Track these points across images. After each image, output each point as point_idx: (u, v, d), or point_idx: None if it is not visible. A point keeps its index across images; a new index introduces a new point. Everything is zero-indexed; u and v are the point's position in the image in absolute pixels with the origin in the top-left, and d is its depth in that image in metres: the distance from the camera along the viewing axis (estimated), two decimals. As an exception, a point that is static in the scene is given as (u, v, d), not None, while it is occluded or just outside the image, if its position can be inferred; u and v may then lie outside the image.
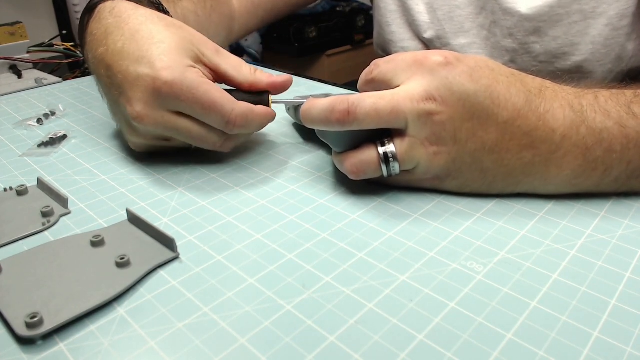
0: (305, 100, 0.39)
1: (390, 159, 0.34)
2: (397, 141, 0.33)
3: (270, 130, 0.49)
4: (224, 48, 0.41)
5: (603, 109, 0.33)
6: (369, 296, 0.27)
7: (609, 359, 0.23)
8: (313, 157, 0.43)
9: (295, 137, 0.47)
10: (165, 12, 0.46)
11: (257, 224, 0.34)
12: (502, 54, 0.59)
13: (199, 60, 0.39)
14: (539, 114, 0.33)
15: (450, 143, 0.33)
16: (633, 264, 0.29)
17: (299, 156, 0.43)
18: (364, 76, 0.37)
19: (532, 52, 0.56)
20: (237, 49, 1.76)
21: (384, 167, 0.34)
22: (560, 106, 0.33)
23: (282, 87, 0.41)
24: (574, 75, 0.55)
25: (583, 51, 0.53)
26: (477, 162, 0.34)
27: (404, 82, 0.34)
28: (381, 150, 0.34)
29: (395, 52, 0.67)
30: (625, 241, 0.31)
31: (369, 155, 0.34)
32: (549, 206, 0.35)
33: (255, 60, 2.00)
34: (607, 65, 0.53)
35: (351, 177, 0.35)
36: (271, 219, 0.34)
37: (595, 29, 0.52)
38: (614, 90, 0.35)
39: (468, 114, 0.32)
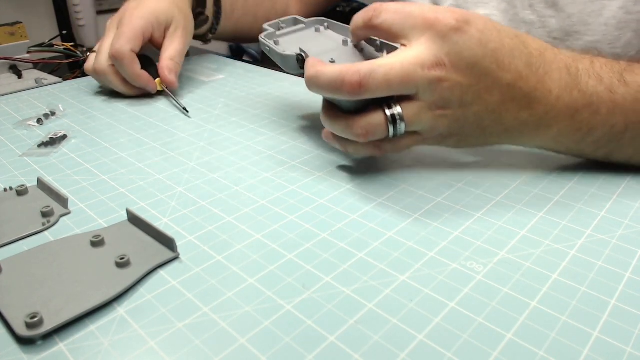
0: (290, 52, 0.40)
1: (398, 120, 0.34)
2: (405, 104, 0.34)
3: (271, 130, 0.49)
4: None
5: (597, 74, 0.35)
6: (369, 296, 0.27)
7: (609, 359, 0.23)
8: (313, 157, 0.43)
9: (295, 137, 0.47)
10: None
11: (257, 224, 0.34)
12: (520, 27, 0.59)
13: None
14: (539, 76, 0.34)
15: (456, 106, 0.34)
16: (633, 264, 0.29)
17: (299, 156, 0.43)
18: (360, 20, 0.36)
19: (547, 27, 0.57)
20: (237, 49, 1.75)
21: (391, 128, 0.35)
22: (558, 68, 0.34)
23: (166, 84, 0.58)
24: None
25: (595, 32, 0.54)
26: (479, 120, 0.35)
27: (412, 44, 0.34)
28: (388, 112, 0.34)
29: None
30: (625, 241, 0.31)
31: (376, 118, 0.34)
32: (548, 206, 0.35)
33: (255, 60, 2.00)
34: (617, 49, 0.54)
35: (360, 140, 0.36)
36: (271, 219, 0.34)
37: (610, 11, 0.52)
38: (610, 58, 0.36)
39: (475, 78, 0.33)
